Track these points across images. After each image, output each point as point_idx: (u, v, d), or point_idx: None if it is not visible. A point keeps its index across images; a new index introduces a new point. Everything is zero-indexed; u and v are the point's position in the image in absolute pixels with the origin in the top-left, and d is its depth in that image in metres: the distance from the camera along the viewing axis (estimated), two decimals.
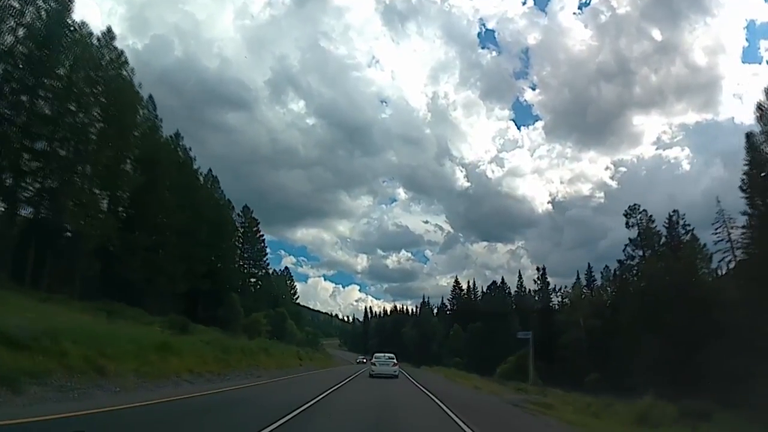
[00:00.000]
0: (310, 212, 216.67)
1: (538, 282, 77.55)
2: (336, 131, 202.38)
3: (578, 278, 76.33)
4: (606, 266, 73.58)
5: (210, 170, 52.30)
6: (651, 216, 61.88)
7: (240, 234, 59.67)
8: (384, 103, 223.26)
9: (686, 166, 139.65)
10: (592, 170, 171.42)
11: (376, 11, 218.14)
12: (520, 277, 77.17)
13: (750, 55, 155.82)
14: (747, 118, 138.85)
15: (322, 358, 60.24)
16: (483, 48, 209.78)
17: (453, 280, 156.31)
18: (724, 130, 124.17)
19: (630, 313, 50.87)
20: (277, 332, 47.91)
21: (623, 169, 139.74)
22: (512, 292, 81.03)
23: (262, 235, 61.17)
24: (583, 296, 69.66)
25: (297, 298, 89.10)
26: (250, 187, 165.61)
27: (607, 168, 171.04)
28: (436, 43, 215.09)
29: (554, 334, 68.88)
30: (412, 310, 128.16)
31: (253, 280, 60.50)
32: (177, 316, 27.95)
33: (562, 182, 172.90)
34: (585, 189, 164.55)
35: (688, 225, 59.19)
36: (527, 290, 77.33)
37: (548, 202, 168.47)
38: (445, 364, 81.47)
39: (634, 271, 61.08)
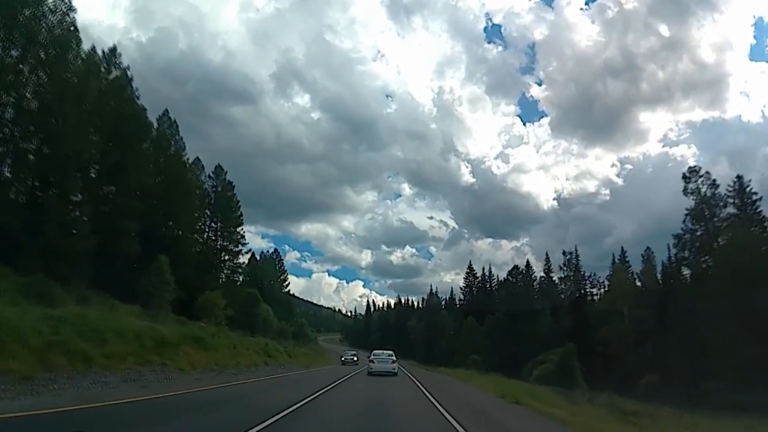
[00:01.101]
0: (315, 207, 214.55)
1: (565, 268, 66.14)
2: (341, 125, 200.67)
3: (614, 261, 64.60)
4: (647, 248, 62.13)
5: (167, 113, 41.02)
6: (714, 180, 50.34)
7: (211, 200, 48.39)
8: (389, 98, 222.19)
9: (692, 164, 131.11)
10: (598, 167, 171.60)
11: (382, 4, 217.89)
12: (547, 259, 65.56)
13: (757, 53, 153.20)
14: (754, 116, 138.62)
15: (310, 355, 49.37)
16: (489, 43, 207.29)
17: (457, 276, 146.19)
18: (730, 128, 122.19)
19: (706, 297, 39.25)
20: (246, 320, 36.72)
21: (629, 166, 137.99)
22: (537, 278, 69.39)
23: (238, 202, 49.84)
24: (626, 282, 58.00)
25: (287, 285, 77.59)
26: (254, 181, 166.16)
27: (613, 165, 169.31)
28: (442, 37, 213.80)
29: (591, 327, 57.36)
30: (417, 303, 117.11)
31: (226, 258, 49.24)
32: (45, 279, 16.75)
33: (567, 179, 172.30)
34: (591, 186, 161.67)
35: (755, 193, 48.00)
36: (550, 278, 65.80)
37: (554, 199, 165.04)
38: (457, 362, 70.22)
39: (695, 247, 49.52)
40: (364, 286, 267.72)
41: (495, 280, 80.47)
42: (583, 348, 52.43)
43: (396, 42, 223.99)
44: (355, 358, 41.22)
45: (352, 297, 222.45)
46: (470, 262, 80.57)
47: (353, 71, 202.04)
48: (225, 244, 49.04)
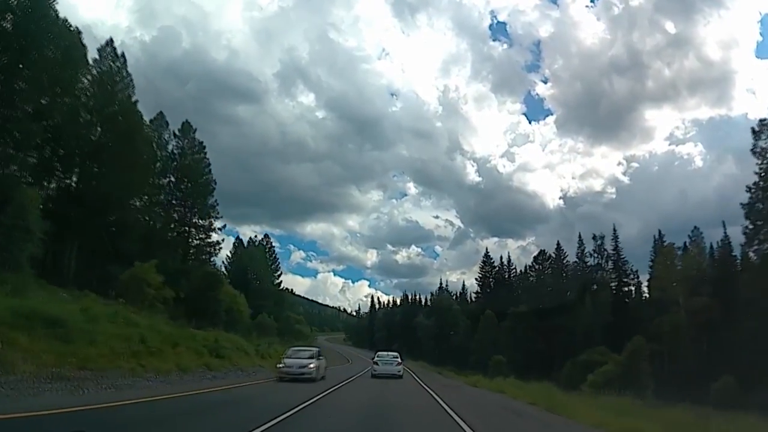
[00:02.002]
0: (320, 206, 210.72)
1: (596, 255, 56.47)
2: (346, 124, 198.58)
3: (655, 242, 54.68)
4: (695, 227, 52.36)
5: (111, 43, 32.14)
6: None
7: (176, 161, 39.49)
8: (394, 96, 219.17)
9: (699, 163, 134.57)
10: (604, 165, 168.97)
11: (386, 2, 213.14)
12: (580, 242, 55.65)
13: (764, 50, 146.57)
14: (761, 113, 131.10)
15: None
16: (494, 40, 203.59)
17: (463, 275, 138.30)
18: (737, 126, 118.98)
19: None
20: (201, 306, 27.68)
21: (635, 164, 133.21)
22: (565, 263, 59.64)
23: (209, 165, 40.83)
24: (676, 266, 48.36)
25: (279, 276, 68.43)
26: (259, 180, 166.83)
27: (619, 163, 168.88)
28: (447, 35, 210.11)
29: (635, 320, 47.82)
30: (425, 299, 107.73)
31: (195, 234, 40.28)
32: None
33: (573, 177, 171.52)
34: (597, 185, 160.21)
35: None
36: (585, 263, 56.01)
37: (560, 198, 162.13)
38: (474, 364, 60.85)
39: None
40: (369, 285, 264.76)
41: (514, 271, 71.04)
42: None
43: (401, 40, 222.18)
44: (311, 365, 20.28)
45: (358, 297, 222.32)
46: (486, 249, 70.80)
47: (358, 70, 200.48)
48: (193, 218, 40.07)
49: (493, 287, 69.92)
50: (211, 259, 41.63)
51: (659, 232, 54.18)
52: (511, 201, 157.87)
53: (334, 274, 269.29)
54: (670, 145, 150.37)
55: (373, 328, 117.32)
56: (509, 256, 73.04)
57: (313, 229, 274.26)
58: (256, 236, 65.27)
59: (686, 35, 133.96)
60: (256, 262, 60.70)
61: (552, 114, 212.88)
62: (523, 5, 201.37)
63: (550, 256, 58.98)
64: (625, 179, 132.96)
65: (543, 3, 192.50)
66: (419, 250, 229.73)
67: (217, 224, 41.39)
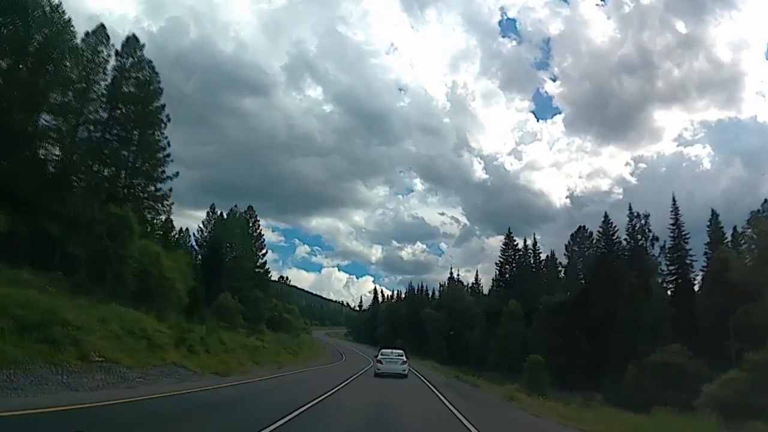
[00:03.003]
0: (326, 201, 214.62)
1: (640, 237, 45.45)
2: (353, 119, 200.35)
3: (709, 225, 43.50)
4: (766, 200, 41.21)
5: None
6: None
7: (119, 87, 29.14)
8: (402, 91, 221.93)
9: (707, 165, 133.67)
10: (612, 166, 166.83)
11: None
12: (631, 214, 44.14)
13: None
14: None
15: (268, 351, 30.27)
16: (504, 37, 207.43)
17: (468, 273, 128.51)
18: (746, 129, 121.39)
19: None
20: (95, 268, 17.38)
21: (643, 165, 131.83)
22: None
23: (160, 91, 30.49)
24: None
25: (264, 256, 57.88)
26: (265, 173, 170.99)
27: (627, 164, 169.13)
28: (456, 30, 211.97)
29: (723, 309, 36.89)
30: (432, 291, 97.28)
31: (138, 184, 29.93)
32: None
33: (580, 177, 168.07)
34: (604, 185, 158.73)
35: None
36: (637, 243, 44.91)
37: (566, 197, 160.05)
38: (495, 364, 50.49)
39: None
40: (374, 281, 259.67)
41: (542, 251, 60.24)
42: (708, 339, 32.78)
43: (409, 35, 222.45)
44: None
45: (362, 292, 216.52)
46: (509, 229, 59.57)
47: (366, 64, 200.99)
48: (134, 162, 29.76)
49: (516, 275, 59.20)
50: (156, 218, 31.32)
51: (713, 213, 43.44)
52: (518, 199, 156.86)
53: (339, 269, 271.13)
54: (678, 146, 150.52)
55: (376, 323, 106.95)
56: (535, 239, 62.06)
57: (319, 223, 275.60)
58: (236, 206, 54.57)
59: (697, 36, 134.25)
60: (234, 237, 50.41)
61: (560, 112, 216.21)
62: (533, 2, 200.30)
63: (590, 233, 48.24)
64: (633, 180, 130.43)
65: (553, 0, 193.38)
66: (424, 246, 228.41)
67: (170, 171, 31.03)
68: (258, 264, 56.27)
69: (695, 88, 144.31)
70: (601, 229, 44.36)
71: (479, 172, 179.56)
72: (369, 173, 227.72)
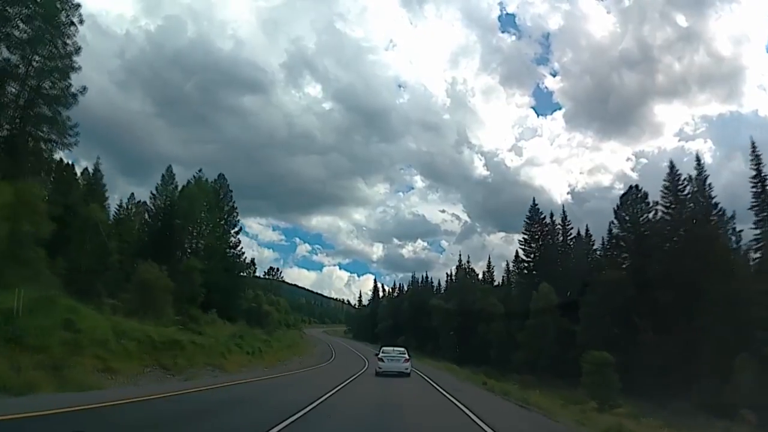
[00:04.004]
0: (326, 199, 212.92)
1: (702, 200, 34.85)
2: (353, 116, 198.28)
3: None
4: None
5: None
6: None
7: None
8: (402, 88, 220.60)
9: (708, 159, 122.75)
10: (613, 161, 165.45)
11: None
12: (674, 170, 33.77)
13: None
14: None
15: (192, 352, 19.76)
16: (503, 32, 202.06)
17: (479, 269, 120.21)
18: (747, 123, 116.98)
19: None
20: None
21: (644, 160, 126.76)
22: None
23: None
24: None
25: (237, 234, 47.38)
26: (265, 172, 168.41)
27: (628, 159, 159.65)
28: (456, 26, 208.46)
29: None
30: (438, 282, 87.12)
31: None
32: None
33: (581, 173, 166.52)
34: (605, 180, 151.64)
35: None
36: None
37: (567, 193, 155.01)
38: (523, 365, 40.77)
39: None
40: (375, 279, 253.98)
41: (571, 229, 49.87)
42: None
43: (408, 31, 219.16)
44: None
45: (364, 291, 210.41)
46: (533, 200, 49.12)
47: (365, 61, 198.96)
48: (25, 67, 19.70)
49: (544, 254, 48.86)
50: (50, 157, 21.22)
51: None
52: (519, 195, 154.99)
53: (340, 268, 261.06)
54: (679, 141, 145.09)
55: (376, 319, 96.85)
56: (564, 212, 51.61)
57: (319, 222, 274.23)
58: (200, 171, 44.19)
59: (697, 29, 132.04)
60: (196, 208, 40.24)
61: (560, 108, 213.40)
62: None
63: (645, 194, 37.55)
64: (634, 175, 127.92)
65: None
66: (425, 244, 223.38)
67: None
68: (230, 244, 46.06)
69: (696, 82, 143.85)
70: (667, 183, 33.86)
71: (480, 168, 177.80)
72: (369, 171, 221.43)
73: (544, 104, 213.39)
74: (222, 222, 45.86)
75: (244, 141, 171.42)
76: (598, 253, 45.97)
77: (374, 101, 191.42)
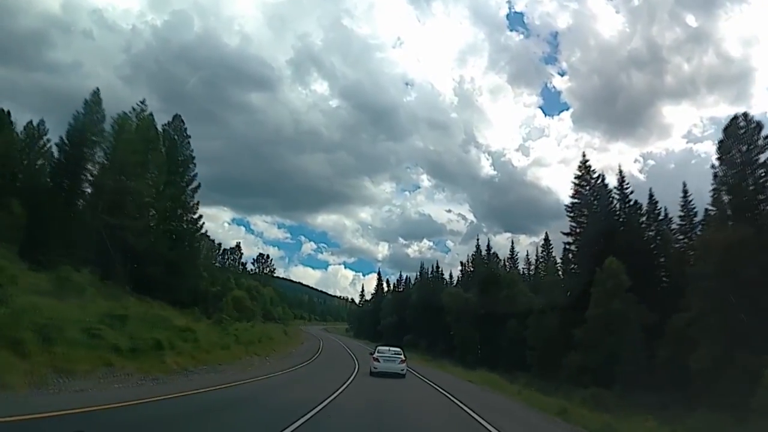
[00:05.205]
0: (332, 197, 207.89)
1: None
2: (360, 114, 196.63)
3: None
4: None
5: None
6: None
7: None
8: (409, 86, 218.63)
9: (717, 162, 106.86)
10: (620, 162, 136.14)
11: None
12: None
13: None
14: None
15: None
16: (511, 31, 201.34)
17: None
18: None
19: None
20: None
21: (652, 162, 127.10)
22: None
23: None
24: None
25: (196, 206, 35.91)
26: (271, 169, 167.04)
27: (635, 160, 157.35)
28: (464, 24, 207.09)
29: None
30: (450, 273, 75.43)
31: None
32: None
33: None
34: (612, 182, 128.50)
35: None
36: None
37: None
38: (580, 373, 29.27)
39: None
40: (379, 273, 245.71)
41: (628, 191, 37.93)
42: None
43: (416, 28, 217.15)
44: None
45: (368, 290, 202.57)
46: (584, 154, 37.74)
47: (372, 58, 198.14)
48: None
49: (603, 220, 36.90)
50: None
51: None
52: (525, 196, 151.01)
53: (345, 267, 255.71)
54: (687, 143, 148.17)
55: (378, 314, 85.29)
56: (621, 171, 39.12)
57: (325, 220, 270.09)
58: (142, 102, 32.82)
59: (707, 30, 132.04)
60: (128, 151, 28.72)
61: (568, 108, 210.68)
62: None
63: (761, 126, 25.79)
64: (641, 176, 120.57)
65: None
66: (431, 244, 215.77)
67: None
68: (186, 205, 34.49)
69: (705, 83, 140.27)
70: None
71: (487, 168, 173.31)
72: (375, 169, 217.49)
73: (551, 104, 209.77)
74: (176, 178, 34.48)
75: (250, 138, 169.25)
76: (672, 221, 34.78)
77: (381, 99, 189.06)
